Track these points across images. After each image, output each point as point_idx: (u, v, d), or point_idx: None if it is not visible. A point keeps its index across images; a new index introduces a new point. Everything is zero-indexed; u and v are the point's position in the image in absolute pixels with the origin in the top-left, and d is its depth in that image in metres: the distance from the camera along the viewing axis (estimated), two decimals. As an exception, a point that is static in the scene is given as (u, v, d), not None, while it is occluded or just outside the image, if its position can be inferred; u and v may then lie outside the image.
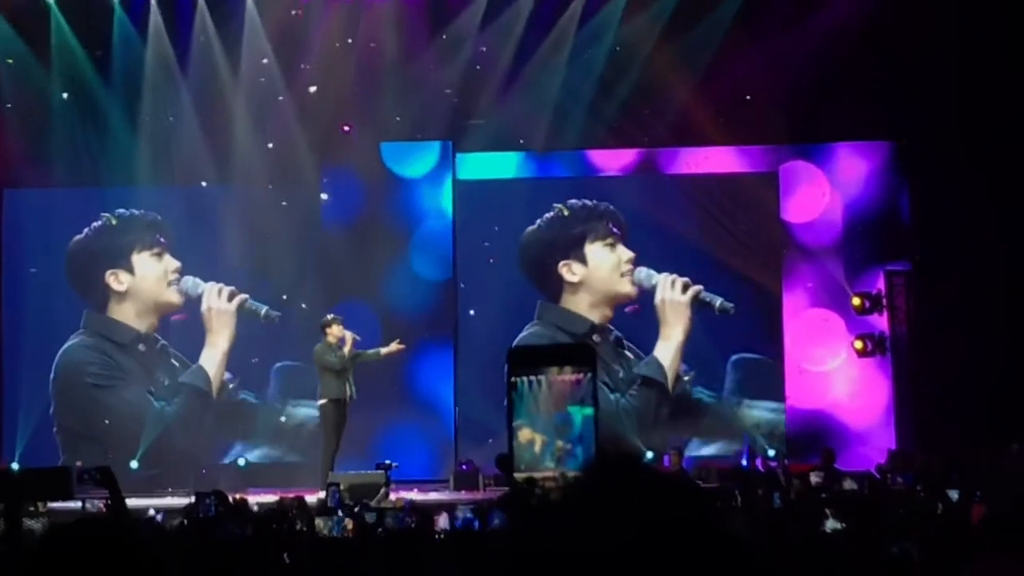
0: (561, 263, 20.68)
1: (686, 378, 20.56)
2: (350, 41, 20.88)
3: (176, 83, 20.99)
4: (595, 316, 20.69)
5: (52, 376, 20.88)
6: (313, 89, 20.82)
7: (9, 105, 20.99)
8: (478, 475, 19.50)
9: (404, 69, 20.81)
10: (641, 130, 20.83)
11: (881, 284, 20.48)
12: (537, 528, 2.34)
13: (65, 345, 20.96)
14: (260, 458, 20.76)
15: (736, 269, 20.58)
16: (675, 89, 20.44)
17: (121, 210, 21.08)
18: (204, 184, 21.11)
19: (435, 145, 21.07)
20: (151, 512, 14.65)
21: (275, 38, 20.80)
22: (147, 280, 21.01)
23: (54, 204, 21.28)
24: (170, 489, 19.46)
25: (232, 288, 20.88)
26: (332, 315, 18.70)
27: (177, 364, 20.97)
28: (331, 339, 18.14)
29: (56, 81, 20.97)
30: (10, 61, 20.95)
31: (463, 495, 18.24)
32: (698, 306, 20.52)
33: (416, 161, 21.10)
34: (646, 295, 20.63)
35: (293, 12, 20.80)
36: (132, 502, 14.66)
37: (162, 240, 21.00)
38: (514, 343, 20.00)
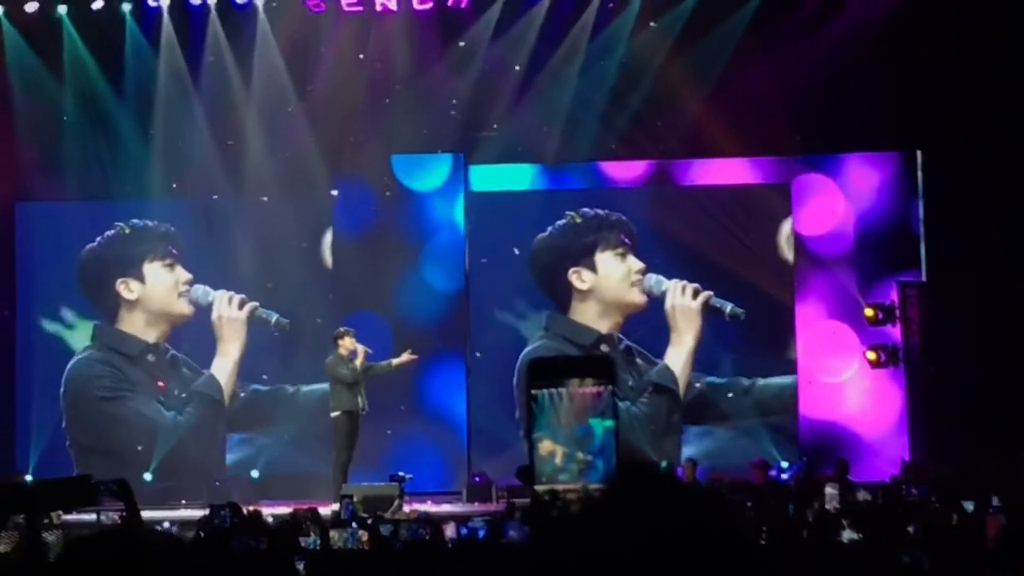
0: (571, 270, 20.67)
1: (698, 384, 20.53)
2: (361, 56, 20.88)
3: (188, 95, 21.01)
4: (604, 325, 20.66)
5: (62, 390, 20.88)
6: (322, 99, 20.84)
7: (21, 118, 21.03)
8: (491, 487, 19.47)
9: (415, 81, 20.83)
10: (653, 141, 20.82)
11: (894, 295, 20.44)
12: (561, 540, 2.34)
13: (73, 359, 20.97)
14: (278, 457, 20.69)
15: (747, 280, 20.55)
16: (687, 100, 20.43)
17: (135, 220, 21.11)
18: (216, 196, 21.13)
19: (446, 157, 21.07)
20: (166, 524, 14.66)
21: (287, 51, 20.83)
22: (157, 290, 21.02)
23: (66, 217, 21.30)
24: (184, 501, 19.47)
25: (243, 296, 20.88)
26: (344, 327, 18.72)
27: (188, 372, 20.97)
28: (343, 351, 18.15)
29: (68, 94, 21.01)
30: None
31: (476, 507, 18.22)
32: (708, 313, 20.50)
33: (428, 173, 21.10)
34: (656, 302, 20.61)
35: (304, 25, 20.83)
36: (146, 514, 14.69)
37: (174, 251, 21.01)
38: (522, 354, 20.01)
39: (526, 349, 20.24)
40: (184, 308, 21.00)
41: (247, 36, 20.84)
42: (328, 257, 21.01)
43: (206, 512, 13.97)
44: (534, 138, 20.85)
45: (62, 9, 20.79)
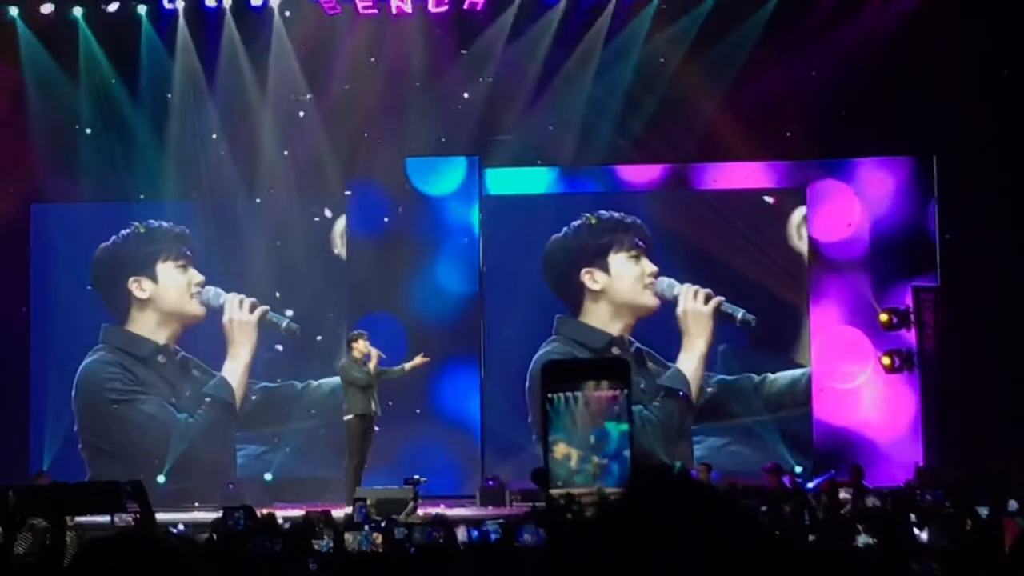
0: (584, 270, 20.67)
1: (709, 389, 20.51)
2: (374, 59, 20.89)
3: (203, 98, 21.04)
4: (615, 327, 20.66)
5: (73, 393, 20.91)
6: (338, 102, 20.86)
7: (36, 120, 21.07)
8: (504, 491, 19.46)
9: (430, 84, 20.84)
10: (667, 145, 20.79)
11: (909, 300, 20.40)
12: (577, 544, 2.34)
13: (84, 361, 20.99)
14: (291, 460, 20.70)
15: (760, 284, 20.53)
16: (701, 104, 20.42)
17: (150, 221, 21.14)
18: (230, 198, 21.14)
19: (461, 160, 21.08)
20: (180, 527, 14.67)
21: (302, 53, 20.84)
22: (170, 290, 21.05)
23: (81, 218, 21.34)
24: (197, 504, 19.47)
25: (253, 300, 20.91)
26: (357, 330, 18.73)
27: (198, 373, 20.98)
28: (356, 354, 18.15)
29: (83, 96, 21.04)
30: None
31: (489, 511, 18.21)
32: (720, 318, 20.48)
33: (442, 177, 21.10)
34: (668, 305, 20.59)
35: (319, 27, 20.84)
36: (160, 516, 14.71)
37: (188, 252, 21.04)
38: (534, 359, 20.01)
39: (537, 353, 20.22)
40: (196, 309, 21.03)
41: (262, 38, 20.86)
42: (343, 259, 21.02)
43: (219, 514, 13.97)
44: (549, 141, 20.86)
45: (78, 11, 20.83)
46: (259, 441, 20.94)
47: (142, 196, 21.31)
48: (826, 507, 14.91)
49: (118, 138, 21.11)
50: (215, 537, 12.14)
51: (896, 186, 20.73)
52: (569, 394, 15.56)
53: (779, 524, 12.96)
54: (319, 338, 20.81)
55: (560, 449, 15.56)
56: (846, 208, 20.74)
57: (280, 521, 13.93)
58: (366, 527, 12.90)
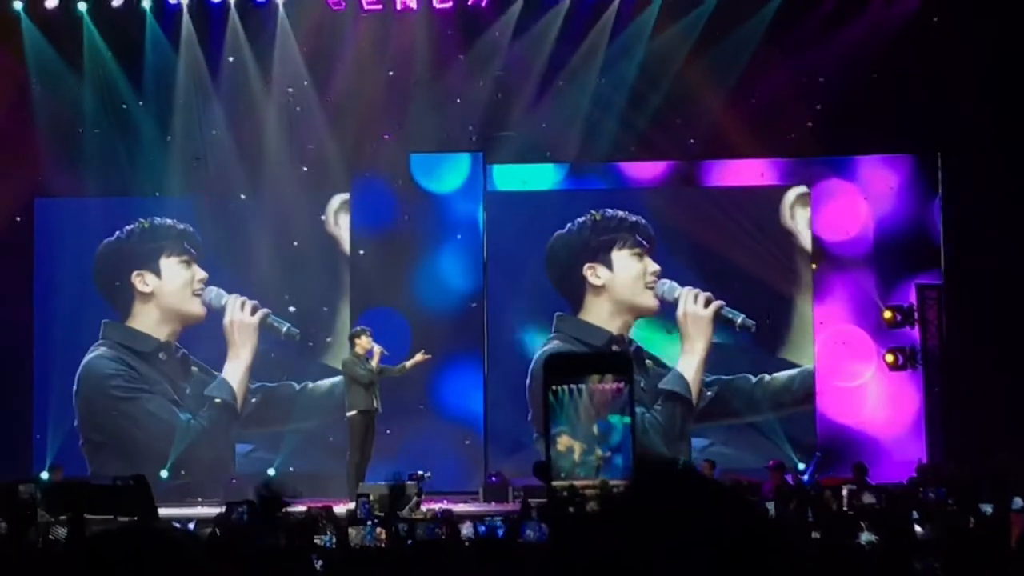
0: (587, 265, 20.67)
1: (709, 393, 20.50)
2: (378, 56, 20.87)
3: (208, 93, 21.04)
4: (615, 325, 20.66)
5: (75, 388, 20.91)
6: (342, 98, 20.85)
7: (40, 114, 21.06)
8: (507, 487, 19.47)
9: (435, 80, 20.83)
10: (672, 142, 20.79)
11: (913, 297, 20.40)
12: (581, 538, 2.33)
13: (86, 357, 20.98)
14: (294, 456, 20.71)
15: (764, 282, 20.53)
16: (706, 101, 20.40)
17: (155, 217, 21.15)
18: (234, 194, 21.13)
19: (465, 156, 21.07)
20: (190, 524, 14.68)
21: (306, 49, 20.83)
22: (172, 285, 21.05)
23: (85, 213, 21.34)
24: (200, 499, 19.48)
25: (255, 302, 20.90)
26: (360, 327, 18.74)
27: (198, 372, 20.98)
28: (359, 350, 18.15)
29: (88, 90, 21.04)
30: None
31: (492, 507, 18.22)
32: (720, 322, 20.47)
33: (447, 173, 21.10)
34: (669, 308, 20.59)
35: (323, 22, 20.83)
36: (163, 511, 14.74)
37: (191, 250, 21.03)
38: (535, 356, 20.02)
39: (538, 351, 20.23)
40: (197, 308, 21.02)
41: (267, 33, 20.85)
42: (346, 254, 21.02)
43: (222, 509, 13.98)
44: (553, 138, 20.85)
45: (82, 6, 20.83)
46: (258, 442, 20.94)
47: (157, 193, 21.29)
48: (830, 504, 14.89)
49: (122, 133, 21.11)
50: (218, 532, 12.14)
51: (900, 184, 20.72)
52: (573, 387, 15.58)
53: (782, 521, 12.96)
54: (328, 339, 20.79)
55: (563, 441, 15.54)
56: (851, 207, 20.72)
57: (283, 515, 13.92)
58: (369, 523, 12.91)
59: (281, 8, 20.81)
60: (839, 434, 20.37)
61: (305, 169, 21.03)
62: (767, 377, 20.47)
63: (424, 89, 20.84)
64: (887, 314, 20.26)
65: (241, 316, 20.90)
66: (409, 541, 11.72)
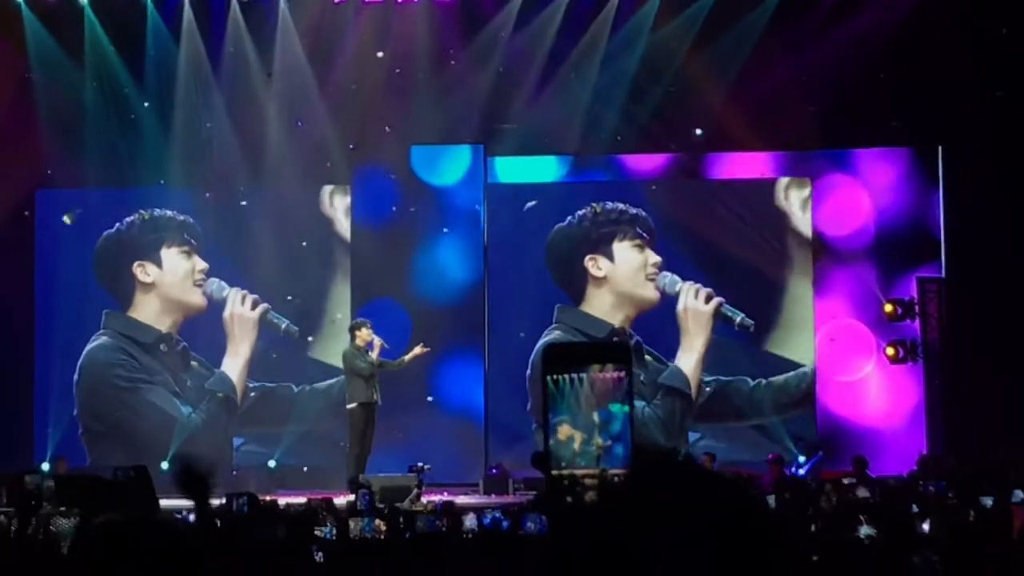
0: (588, 256, 20.67)
1: (708, 389, 20.49)
2: (379, 48, 20.85)
3: (209, 84, 21.03)
4: (616, 318, 20.66)
5: (76, 377, 20.91)
6: (343, 89, 20.84)
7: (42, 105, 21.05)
8: (508, 479, 19.47)
9: (436, 72, 20.82)
10: (672, 135, 20.80)
11: (913, 291, 20.40)
12: (581, 528, 2.33)
13: (88, 346, 20.98)
14: (295, 448, 20.72)
15: (765, 274, 20.54)
16: (707, 94, 20.40)
17: (155, 209, 21.15)
18: (235, 186, 21.12)
19: (466, 149, 21.07)
20: (184, 514, 14.67)
21: (308, 40, 20.81)
22: (173, 276, 21.05)
23: (86, 205, 21.33)
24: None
25: (255, 296, 20.89)
26: (360, 318, 18.72)
27: (197, 366, 20.97)
28: (359, 342, 18.14)
29: (89, 81, 21.03)
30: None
31: (493, 499, 18.22)
32: (719, 319, 20.46)
33: (448, 166, 21.09)
34: (669, 301, 20.58)
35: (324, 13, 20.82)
36: (163, 502, 14.73)
37: (192, 241, 21.03)
38: (536, 346, 20.00)
39: (540, 342, 20.22)
40: (198, 299, 21.01)
41: (268, 24, 20.84)
42: (347, 245, 21.02)
43: (223, 501, 13.98)
44: (554, 130, 20.84)
45: (83, -3, 20.85)
46: (250, 436, 20.96)
47: (162, 181, 21.29)
48: (830, 497, 14.89)
49: (123, 124, 21.10)
50: (218, 523, 12.15)
51: (901, 177, 20.71)
52: (574, 375, 15.61)
53: (782, 513, 12.96)
54: (334, 319, 20.77)
55: (563, 431, 15.55)
56: (852, 200, 20.72)
57: (283, 507, 13.94)
58: (368, 516, 12.91)
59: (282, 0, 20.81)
60: (839, 427, 20.38)
61: (305, 159, 20.99)
62: (764, 381, 20.45)
63: (425, 81, 20.82)
64: (888, 307, 20.27)
65: (241, 310, 20.90)
66: (408, 534, 11.72)
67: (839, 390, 20.55)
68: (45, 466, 19.68)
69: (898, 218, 20.63)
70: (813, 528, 11.18)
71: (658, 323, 20.58)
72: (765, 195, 20.80)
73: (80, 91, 21.07)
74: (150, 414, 20.79)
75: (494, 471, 19.76)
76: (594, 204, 20.76)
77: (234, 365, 20.92)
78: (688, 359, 20.50)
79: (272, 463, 20.62)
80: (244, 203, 21.14)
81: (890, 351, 20.30)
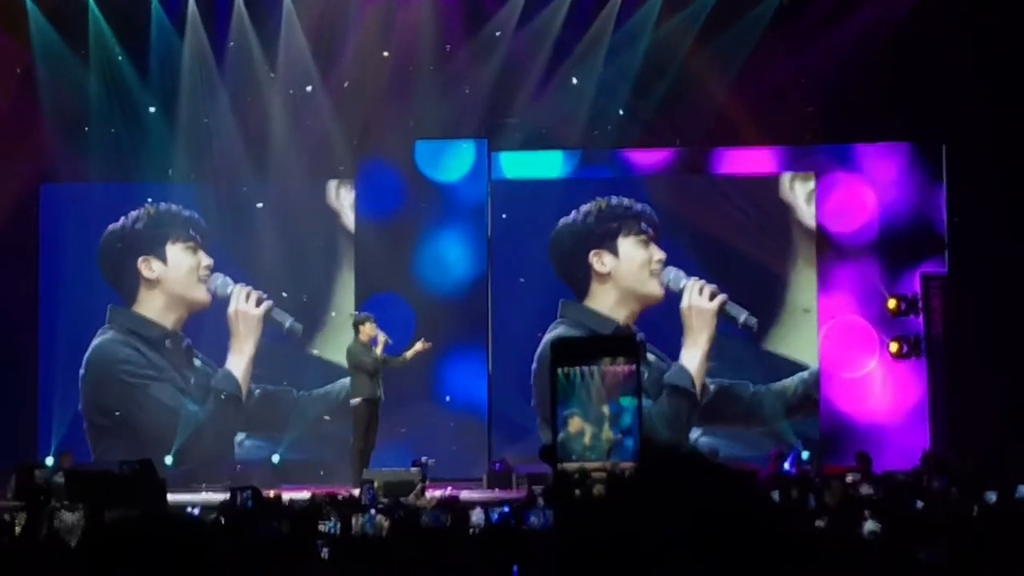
0: (592, 252, 20.66)
1: (711, 387, 20.48)
2: (384, 42, 20.84)
3: (213, 78, 21.03)
4: (621, 314, 20.65)
5: (82, 371, 20.91)
6: (347, 84, 20.84)
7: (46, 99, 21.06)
8: (511, 474, 19.47)
9: (440, 67, 20.82)
10: (676, 130, 20.80)
11: (917, 286, 20.40)
12: (587, 521, 2.34)
13: (95, 340, 20.98)
14: (298, 443, 20.75)
15: (769, 270, 20.54)
16: (710, 89, 20.40)
17: (161, 203, 21.16)
18: (241, 180, 21.13)
19: (470, 143, 21.06)
20: (195, 511, 14.70)
21: (312, 34, 20.81)
22: (178, 272, 21.04)
23: (90, 199, 21.34)
24: (204, 485, 19.49)
25: (260, 293, 20.89)
26: (364, 313, 18.72)
27: (200, 364, 20.97)
28: (363, 337, 18.14)
29: (93, 75, 21.03)
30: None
31: (497, 493, 18.23)
32: (723, 317, 20.45)
33: (451, 161, 21.09)
34: (673, 298, 20.58)
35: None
36: (168, 497, 14.76)
37: (197, 236, 21.04)
38: (543, 341, 20.01)
39: (546, 336, 20.23)
40: (203, 294, 21.00)
41: (272, 19, 20.84)
42: (351, 240, 21.02)
43: (226, 496, 13.99)
44: (558, 126, 20.84)
45: (87, -10, 20.85)
46: (258, 436, 21.00)
47: (170, 171, 21.28)
48: (835, 493, 14.89)
49: (128, 118, 21.10)
50: (222, 519, 12.17)
51: (905, 172, 20.70)
52: (584, 368, 15.60)
53: (785, 508, 12.96)
54: (333, 313, 20.79)
55: (575, 424, 15.59)
56: (856, 196, 20.71)
57: (286, 502, 13.96)
58: (372, 510, 12.92)
59: (286, -7, 20.84)
60: (843, 423, 20.38)
61: (310, 155, 21.00)
62: (764, 388, 20.44)
63: (429, 76, 20.83)
64: (891, 303, 20.26)
65: (246, 307, 20.88)
66: (412, 529, 11.72)
67: (843, 386, 20.55)
68: (49, 460, 19.68)
69: (902, 214, 20.62)
70: (818, 523, 11.19)
71: (662, 320, 20.56)
72: (769, 190, 20.80)
73: (84, 85, 21.07)
74: (156, 410, 20.78)
75: (498, 466, 19.75)
76: (598, 199, 20.76)
77: (238, 362, 20.92)
78: (692, 357, 20.49)
79: (276, 458, 20.63)
80: (260, 205, 21.11)
81: (893, 347, 20.30)
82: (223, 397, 20.77)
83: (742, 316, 20.40)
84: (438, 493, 16.51)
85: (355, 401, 18.07)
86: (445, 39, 20.80)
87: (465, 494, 17.28)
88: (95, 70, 21.04)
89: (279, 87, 21.03)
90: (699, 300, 20.47)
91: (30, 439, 20.62)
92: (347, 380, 19.05)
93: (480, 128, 20.97)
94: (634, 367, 16.33)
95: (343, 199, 21.13)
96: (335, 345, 20.18)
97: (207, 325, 21.04)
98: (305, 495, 14.96)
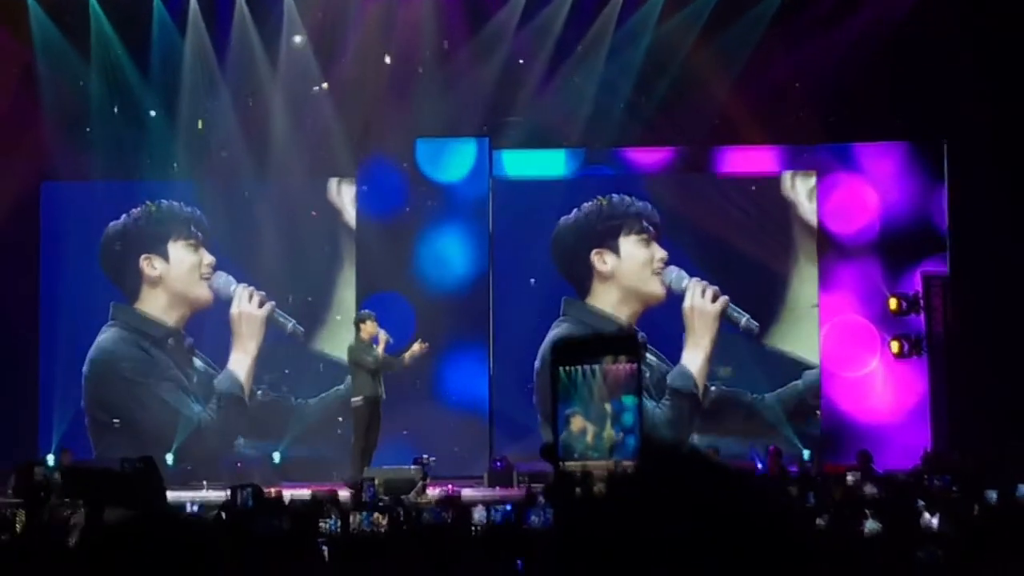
0: (594, 251, 20.66)
1: (712, 388, 20.48)
2: (386, 45, 20.85)
3: (214, 76, 21.03)
4: (622, 313, 20.64)
5: (85, 369, 20.91)
6: (346, 82, 20.84)
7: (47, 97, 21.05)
8: (512, 472, 19.47)
9: (441, 65, 20.82)
10: (677, 129, 20.79)
11: (918, 285, 20.40)
12: (588, 520, 2.34)
13: (99, 338, 20.98)
14: (299, 440, 20.75)
15: (769, 269, 20.54)
16: (712, 88, 20.40)
17: (162, 200, 21.15)
18: (241, 178, 21.13)
19: (471, 142, 21.06)
20: (188, 505, 14.72)
21: (313, 32, 20.81)
22: (180, 270, 21.03)
23: (91, 196, 21.33)
24: (205, 483, 19.50)
25: (263, 294, 20.88)
26: (365, 311, 18.70)
27: (201, 364, 20.96)
28: (364, 336, 18.12)
29: (94, 73, 21.03)
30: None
31: (497, 492, 18.23)
32: (724, 320, 20.45)
33: (453, 160, 21.09)
34: (675, 297, 20.57)
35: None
36: (169, 494, 14.75)
37: (199, 234, 21.03)
38: (547, 339, 19.99)
39: (550, 334, 20.21)
40: (205, 292, 21.00)
41: (273, 17, 20.84)
42: (352, 239, 21.02)
43: (227, 493, 13.99)
44: (559, 124, 20.84)
45: (89, -12, 20.85)
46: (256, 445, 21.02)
47: (175, 165, 21.26)
48: (834, 493, 14.90)
49: (129, 116, 21.10)
50: (223, 516, 12.17)
51: (906, 171, 20.70)
52: (586, 367, 15.59)
53: (786, 506, 12.95)
54: (338, 317, 20.78)
55: (577, 422, 15.55)
56: (857, 195, 20.71)
57: (287, 500, 13.96)
58: (370, 508, 12.93)
59: (288, -9, 20.84)
60: (844, 422, 20.38)
61: (310, 152, 20.99)
62: (762, 397, 20.42)
63: (430, 74, 20.82)
64: (892, 302, 20.26)
65: (249, 308, 20.87)
66: (405, 526, 11.73)
67: (844, 385, 20.55)
68: (50, 458, 19.67)
69: (903, 213, 20.62)
70: (819, 522, 11.20)
71: (664, 319, 20.55)
72: (770, 188, 20.79)
73: (85, 83, 21.07)
74: (159, 409, 20.77)
75: (498, 464, 19.75)
76: (600, 197, 20.75)
77: (241, 363, 20.90)
78: (694, 358, 20.48)
79: (276, 456, 20.63)
80: (247, 194, 21.11)
81: (895, 345, 20.30)
82: (226, 398, 20.75)
83: (743, 319, 20.40)
84: (438, 491, 16.54)
85: (356, 400, 18.05)
86: (446, 37, 20.78)
87: (466, 492, 17.29)
88: (96, 68, 21.04)
89: (280, 84, 21.02)
90: (701, 302, 20.46)
91: (31, 437, 20.62)
92: (343, 385, 19.08)
93: (481, 127, 20.97)
94: (635, 365, 16.32)
95: (344, 197, 21.12)
96: (337, 343, 20.17)
97: (209, 324, 21.03)
98: (306, 493, 14.96)
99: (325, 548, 9.76)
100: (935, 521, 11.12)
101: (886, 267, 20.54)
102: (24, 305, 21.05)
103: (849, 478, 15.69)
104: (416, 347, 18.41)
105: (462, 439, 20.36)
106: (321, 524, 11.69)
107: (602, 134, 20.87)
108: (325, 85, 20.99)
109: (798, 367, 20.49)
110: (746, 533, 2.25)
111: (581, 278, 20.73)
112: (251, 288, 20.87)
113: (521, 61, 20.78)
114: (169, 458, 20.22)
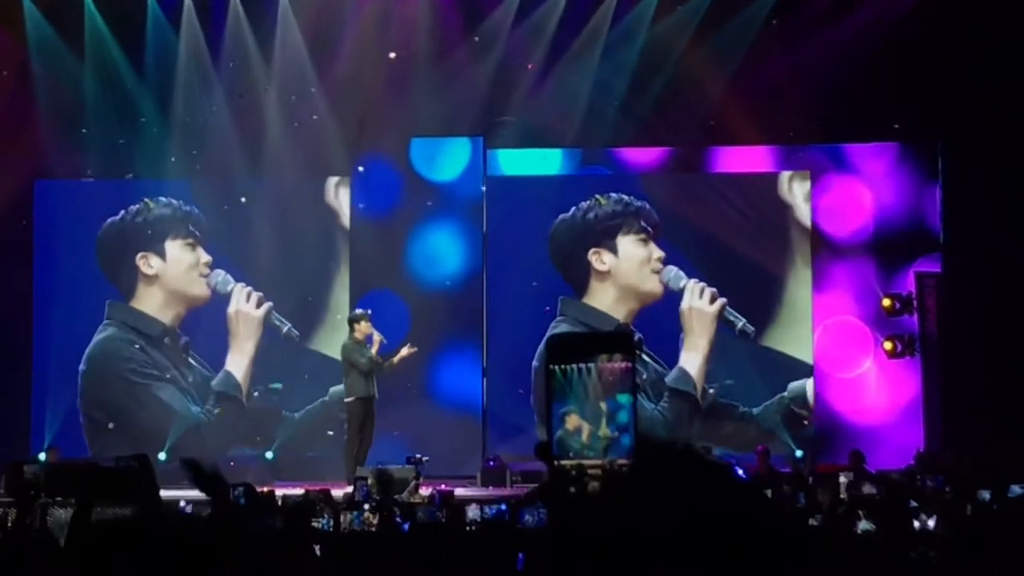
0: (592, 250, 20.65)
1: (711, 390, 20.47)
2: (383, 37, 20.83)
3: (208, 75, 21.01)
4: (620, 312, 20.63)
5: (83, 367, 20.88)
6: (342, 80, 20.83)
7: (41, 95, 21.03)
8: (505, 472, 19.47)
9: (436, 64, 20.81)
10: (672, 128, 20.78)
11: (911, 285, 20.41)
12: (582, 519, 2.33)
13: (97, 336, 20.96)
14: (293, 438, 20.74)
15: (764, 268, 20.54)
16: (707, 88, 20.40)
17: (160, 198, 21.13)
18: (236, 177, 21.11)
19: (466, 141, 21.05)
20: (182, 504, 14.69)
21: (308, 31, 20.79)
22: (178, 267, 21.02)
23: (85, 195, 21.31)
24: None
25: (260, 294, 20.86)
26: (360, 310, 18.68)
27: (196, 364, 20.93)
28: (359, 335, 18.11)
29: (88, 72, 21.00)
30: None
31: (491, 491, 18.23)
32: (721, 322, 20.44)
33: (447, 159, 21.08)
34: (672, 297, 20.56)
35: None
36: (162, 493, 14.72)
37: (196, 232, 21.01)
38: (544, 337, 19.98)
39: (548, 333, 20.21)
40: (202, 290, 20.98)
41: (268, 15, 20.83)
42: (347, 237, 21.00)
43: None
44: (554, 123, 20.83)
45: (83, -13, 20.82)
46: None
47: (172, 159, 21.22)
48: (825, 492, 14.90)
49: (123, 114, 21.08)
50: (215, 514, 12.14)
51: (899, 171, 20.71)
52: (582, 366, 15.57)
53: (779, 505, 12.95)
54: (339, 316, 20.75)
55: (572, 421, 15.57)
56: (851, 195, 20.71)
57: (279, 499, 13.95)
58: (364, 506, 12.92)
59: (283, -11, 20.82)
60: (837, 423, 20.38)
61: (305, 151, 20.97)
62: (753, 410, 20.41)
63: (426, 73, 20.81)
64: (886, 302, 20.26)
65: (247, 308, 20.84)
66: (404, 525, 11.70)
67: (837, 386, 20.55)
68: (42, 456, 19.65)
69: (897, 213, 20.62)
70: (812, 522, 11.19)
71: (661, 318, 20.54)
72: (766, 188, 20.79)
73: (80, 82, 21.04)
74: (157, 408, 20.73)
75: (492, 463, 19.75)
76: (598, 196, 20.74)
77: (239, 363, 20.88)
78: (693, 359, 20.46)
79: (269, 454, 20.62)
80: (243, 199, 21.08)
81: (888, 346, 20.30)
82: (224, 400, 20.73)
83: (740, 323, 20.40)
84: (431, 489, 16.53)
85: (349, 399, 18.04)
86: (442, 36, 20.77)
87: (459, 491, 17.29)
88: (91, 66, 21.01)
89: (275, 84, 21.00)
90: (699, 303, 20.45)
91: (23, 435, 20.59)
92: (335, 391, 19.10)
93: (476, 126, 20.95)
94: (630, 364, 16.33)
95: (341, 197, 21.10)
96: (333, 342, 20.14)
97: (205, 324, 21.01)
98: (299, 491, 14.94)
99: (317, 547, 9.73)
100: (931, 523, 11.11)
101: (880, 267, 20.54)
102: (18, 303, 21.02)
103: (842, 478, 15.69)
104: (404, 351, 18.41)
105: (455, 438, 20.34)
106: (314, 523, 11.67)
107: (596, 134, 20.86)
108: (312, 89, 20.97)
109: (793, 368, 20.48)
110: (740, 531, 2.25)
111: (578, 277, 20.72)
112: (249, 288, 20.86)
113: (530, 67, 20.76)
114: (162, 456, 20.18)
